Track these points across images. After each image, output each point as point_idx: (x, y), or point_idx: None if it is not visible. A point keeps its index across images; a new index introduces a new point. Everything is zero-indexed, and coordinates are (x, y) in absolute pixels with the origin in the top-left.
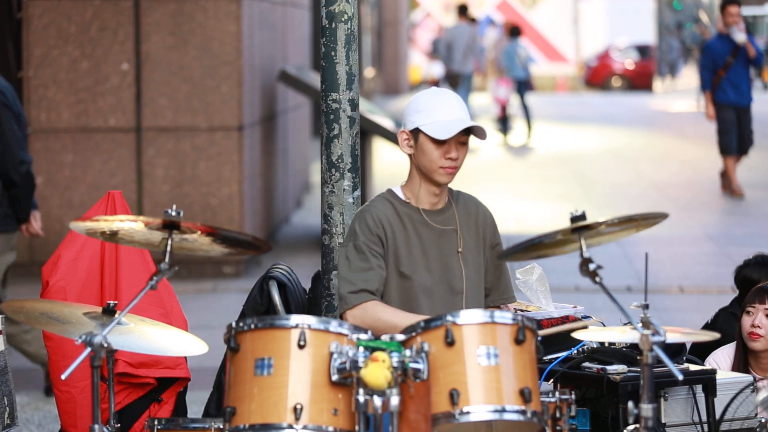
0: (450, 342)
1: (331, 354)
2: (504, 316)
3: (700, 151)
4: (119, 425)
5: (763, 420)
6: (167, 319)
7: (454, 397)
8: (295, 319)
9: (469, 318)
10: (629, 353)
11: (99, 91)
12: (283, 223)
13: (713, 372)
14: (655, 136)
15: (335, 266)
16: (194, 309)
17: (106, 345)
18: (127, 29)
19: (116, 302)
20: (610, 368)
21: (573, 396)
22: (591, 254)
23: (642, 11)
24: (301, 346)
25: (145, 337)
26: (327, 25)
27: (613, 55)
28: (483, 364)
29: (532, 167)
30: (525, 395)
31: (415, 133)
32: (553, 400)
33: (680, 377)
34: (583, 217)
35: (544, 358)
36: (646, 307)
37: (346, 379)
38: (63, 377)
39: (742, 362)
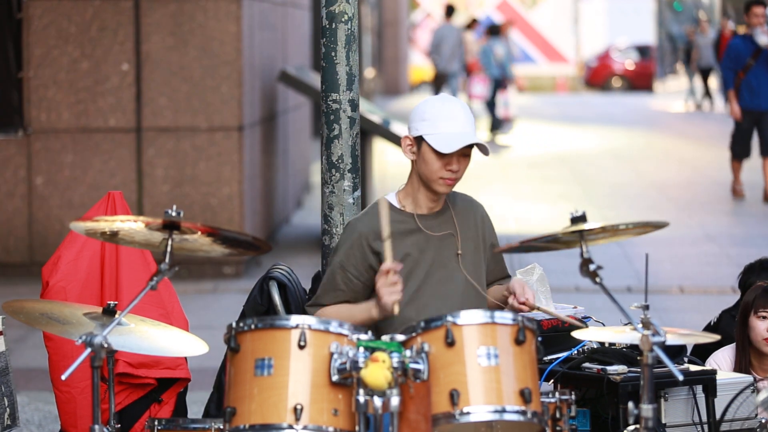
0: (450, 342)
1: (332, 354)
2: (504, 316)
3: (700, 151)
4: (119, 425)
5: (763, 420)
6: (168, 319)
7: (454, 397)
8: (296, 319)
9: (470, 318)
10: (629, 354)
11: (99, 91)
12: (284, 223)
13: (713, 372)
14: (655, 136)
15: None
16: (194, 309)
17: (106, 345)
18: (127, 29)
19: (116, 303)
20: (611, 369)
21: (573, 396)
22: (591, 254)
23: (642, 11)
24: (301, 347)
25: (145, 337)
26: (327, 26)
27: (613, 55)
28: (483, 364)
29: (532, 167)
30: (525, 396)
31: (419, 140)
32: (553, 400)
33: (680, 378)
34: (583, 217)
35: (545, 358)
36: (646, 307)
37: (347, 380)
38: (63, 377)
39: (744, 364)
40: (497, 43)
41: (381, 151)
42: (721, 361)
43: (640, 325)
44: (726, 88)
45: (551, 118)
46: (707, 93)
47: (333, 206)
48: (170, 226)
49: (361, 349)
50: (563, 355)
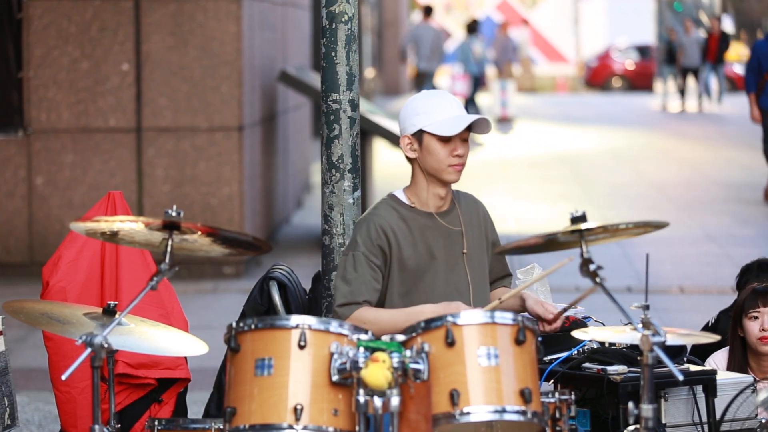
0: (450, 342)
1: (332, 354)
2: (504, 316)
3: (700, 151)
4: (119, 425)
5: (763, 421)
6: (167, 319)
7: (454, 397)
8: (296, 319)
9: (470, 318)
10: (629, 354)
11: (99, 91)
12: (284, 223)
13: (713, 372)
14: (655, 136)
15: (336, 267)
16: (194, 309)
17: (106, 345)
18: (127, 29)
19: (116, 303)
20: (611, 369)
21: (573, 396)
22: (591, 254)
23: (642, 11)
24: (301, 347)
25: (145, 337)
26: (327, 26)
27: (613, 55)
28: (483, 364)
29: (532, 167)
30: (525, 396)
31: (419, 135)
32: (553, 400)
33: (680, 378)
34: (583, 217)
35: (545, 358)
36: (646, 307)
37: (347, 380)
38: (63, 378)
39: (740, 365)
40: (475, 40)
41: (381, 151)
42: (720, 362)
43: (640, 325)
44: (747, 91)
45: (551, 118)
46: (682, 92)
47: (333, 206)
48: (170, 227)
49: (361, 349)
50: (563, 355)
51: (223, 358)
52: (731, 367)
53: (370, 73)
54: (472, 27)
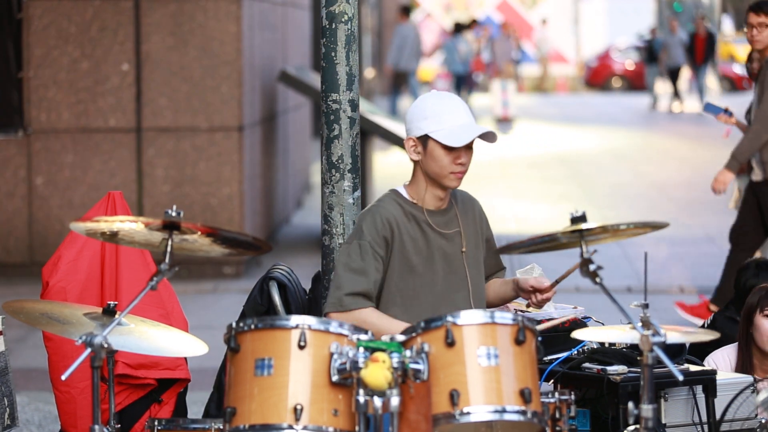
0: (450, 342)
1: (332, 354)
2: (504, 316)
3: (700, 151)
4: (119, 426)
5: (763, 421)
6: (167, 319)
7: (454, 397)
8: (296, 319)
9: (470, 318)
10: (629, 354)
11: (99, 91)
12: (284, 223)
13: (713, 372)
14: (655, 136)
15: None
16: (194, 309)
17: (106, 345)
18: (127, 29)
19: (116, 303)
20: (611, 369)
21: (573, 396)
22: (591, 254)
23: (642, 11)
24: (301, 347)
25: (145, 337)
26: (327, 26)
27: (613, 55)
28: (483, 364)
29: (532, 167)
30: (525, 396)
31: (424, 139)
32: (552, 400)
33: (680, 378)
34: (583, 217)
35: (545, 358)
36: (645, 306)
37: (347, 380)
38: (63, 378)
39: (746, 364)
40: (460, 40)
41: (381, 151)
42: (720, 361)
43: (640, 325)
44: None
45: (551, 118)
46: (676, 93)
47: (333, 206)
48: (170, 227)
49: (361, 349)
50: (563, 355)
51: (223, 358)
52: (741, 365)
53: (370, 73)
54: (458, 27)
